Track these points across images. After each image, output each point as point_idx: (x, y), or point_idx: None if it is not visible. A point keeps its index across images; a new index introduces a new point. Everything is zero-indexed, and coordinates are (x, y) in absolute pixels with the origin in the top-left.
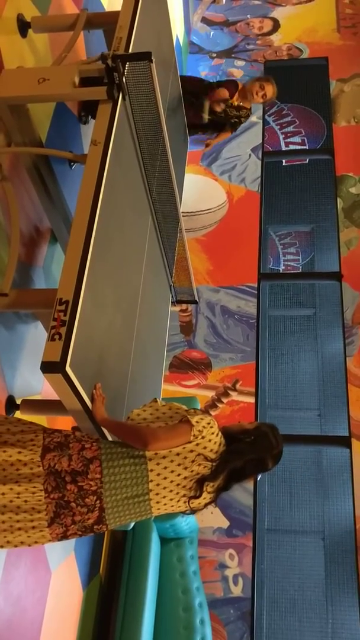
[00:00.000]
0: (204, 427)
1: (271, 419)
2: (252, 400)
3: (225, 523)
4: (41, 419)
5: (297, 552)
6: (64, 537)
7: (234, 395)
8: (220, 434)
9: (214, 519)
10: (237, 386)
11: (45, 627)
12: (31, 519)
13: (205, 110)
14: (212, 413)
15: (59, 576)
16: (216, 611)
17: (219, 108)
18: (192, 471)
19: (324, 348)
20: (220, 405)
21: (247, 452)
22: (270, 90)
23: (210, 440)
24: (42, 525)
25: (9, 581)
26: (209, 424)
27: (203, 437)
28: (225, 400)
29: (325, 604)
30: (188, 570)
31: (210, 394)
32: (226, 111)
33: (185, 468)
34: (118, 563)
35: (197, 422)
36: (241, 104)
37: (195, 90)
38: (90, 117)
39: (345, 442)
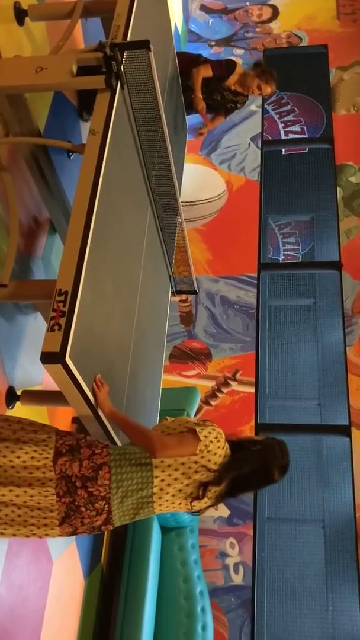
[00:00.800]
0: (211, 441)
1: (271, 408)
2: (252, 390)
3: (225, 512)
4: (42, 410)
5: (298, 540)
6: (72, 535)
7: (234, 385)
8: (226, 446)
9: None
10: (237, 376)
11: (47, 616)
12: (44, 517)
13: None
14: (212, 403)
15: (60, 566)
16: (217, 599)
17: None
18: (193, 480)
19: (324, 337)
20: (220, 395)
21: (252, 460)
22: (268, 90)
23: (215, 454)
24: (54, 524)
25: (10, 571)
26: (216, 438)
27: (209, 451)
28: (225, 390)
29: (326, 591)
30: (189, 559)
31: (211, 384)
32: (223, 94)
33: (189, 477)
34: (119, 552)
35: (205, 436)
36: (239, 90)
37: (188, 70)
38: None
39: (345, 431)
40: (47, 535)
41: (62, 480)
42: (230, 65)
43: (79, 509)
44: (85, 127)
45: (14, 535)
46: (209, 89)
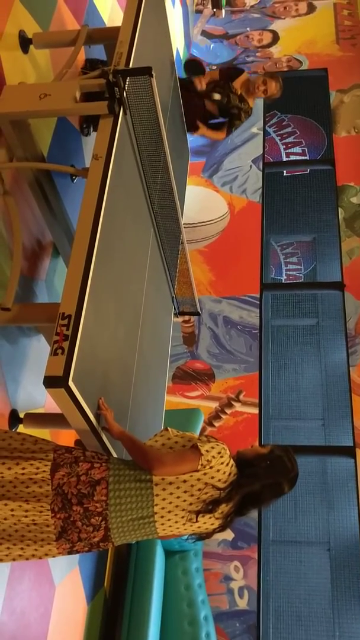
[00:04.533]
0: (213, 456)
1: (275, 429)
2: (255, 411)
3: (229, 535)
4: (44, 433)
5: (303, 563)
6: (70, 552)
7: (238, 406)
8: (231, 463)
9: None
10: (241, 397)
11: None
12: (41, 531)
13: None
14: (216, 424)
15: (63, 590)
16: (222, 624)
17: (216, 96)
18: (198, 498)
19: (327, 358)
20: (224, 416)
21: (262, 477)
22: (272, 86)
23: (218, 471)
24: (50, 539)
25: (12, 597)
26: (219, 453)
27: (211, 467)
28: (228, 411)
29: (332, 615)
30: (193, 583)
31: (214, 405)
32: (229, 97)
33: (192, 495)
34: (123, 576)
35: (207, 451)
36: (244, 95)
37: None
38: (92, 128)
39: (349, 452)
40: (47, 555)
41: (58, 497)
42: (238, 68)
43: (74, 524)
44: (88, 152)
45: (9, 549)
46: (216, 91)
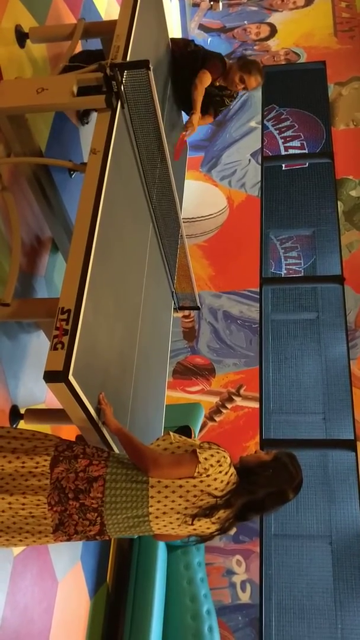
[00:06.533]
0: (211, 465)
1: (276, 423)
2: (256, 405)
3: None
4: (45, 429)
5: (305, 557)
6: (68, 541)
7: (239, 401)
8: (231, 471)
9: None
10: (241, 391)
11: (53, 637)
12: (39, 524)
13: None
14: (217, 419)
15: (65, 586)
16: (224, 618)
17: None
18: (193, 504)
19: (328, 351)
20: (224, 410)
21: (265, 485)
22: (252, 82)
23: (216, 479)
24: (48, 531)
25: (15, 592)
26: (218, 462)
27: (208, 476)
28: (229, 405)
29: (334, 609)
30: (195, 577)
31: (215, 399)
32: (208, 92)
33: (187, 500)
34: (125, 571)
35: (205, 458)
36: (223, 85)
37: (184, 65)
38: (89, 115)
39: (350, 445)
40: (41, 542)
41: (55, 491)
42: (224, 68)
43: (71, 517)
44: (86, 146)
45: (8, 541)
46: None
